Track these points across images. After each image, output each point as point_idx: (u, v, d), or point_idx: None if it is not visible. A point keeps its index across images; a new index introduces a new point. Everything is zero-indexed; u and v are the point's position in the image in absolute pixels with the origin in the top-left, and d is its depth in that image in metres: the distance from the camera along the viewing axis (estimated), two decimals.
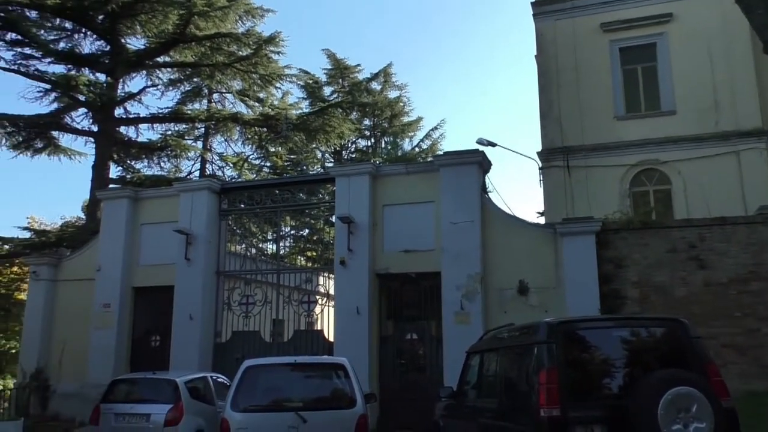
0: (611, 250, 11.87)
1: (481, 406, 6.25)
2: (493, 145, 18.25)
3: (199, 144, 25.52)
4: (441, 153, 13.11)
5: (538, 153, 18.48)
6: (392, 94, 35.07)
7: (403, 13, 77.44)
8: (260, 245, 21.00)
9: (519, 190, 57.42)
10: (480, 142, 17.82)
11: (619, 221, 12.32)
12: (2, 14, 18.66)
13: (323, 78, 34.33)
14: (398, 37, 75.39)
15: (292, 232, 28.72)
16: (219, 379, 10.58)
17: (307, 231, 31.06)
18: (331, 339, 13.48)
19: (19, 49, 19.46)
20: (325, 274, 18.21)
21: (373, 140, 35.24)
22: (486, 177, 13.32)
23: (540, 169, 18.59)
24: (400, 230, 13.18)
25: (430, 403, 11.90)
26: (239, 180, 21.63)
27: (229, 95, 26.29)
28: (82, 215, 24.89)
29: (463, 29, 77.78)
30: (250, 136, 24.03)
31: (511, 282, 12.18)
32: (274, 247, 28.11)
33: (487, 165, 13.26)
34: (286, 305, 14.16)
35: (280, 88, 23.33)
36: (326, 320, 14.52)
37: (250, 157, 26.88)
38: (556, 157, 18.09)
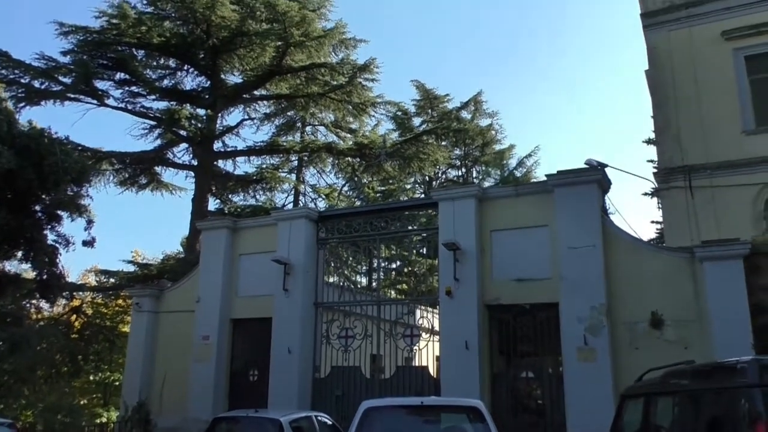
0: (764, 277, 10.23)
1: None
2: (604, 166, 16.84)
3: (293, 176, 25.66)
4: (554, 172, 11.99)
5: (654, 174, 16.88)
6: (483, 122, 34.28)
7: (491, 40, 76.92)
8: (355, 277, 20.42)
9: (626, 217, 54.20)
10: (589, 163, 16.39)
11: None
12: (113, 55, 19.55)
13: (412, 109, 34.11)
14: (487, 65, 74.73)
15: (384, 264, 28.14)
16: (321, 419, 9.83)
17: (398, 263, 30.38)
18: (436, 376, 12.53)
19: (126, 88, 20.30)
20: (423, 307, 17.31)
21: (464, 170, 34.39)
22: (606, 197, 12.08)
23: (656, 190, 16.99)
24: (511, 257, 12.13)
25: None
26: (337, 208, 21.20)
27: (321, 127, 26.41)
28: (182, 250, 25.47)
29: (554, 53, 76.11)
30: (343, 167, 23.83)
31: (642, 314, 10.77)
32: (369, 278, 27.81)
33: (607, 184, 12.07)
34: (387, 339, 13.33)
35: (373, 116, 22.99)
36: (427, 356, 13.57)
37: (342, 189, 26.73)
38: (677, 177, 16.37)
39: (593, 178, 11.62)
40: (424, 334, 13.56)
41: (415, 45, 73.95)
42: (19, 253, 12.56)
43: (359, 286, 20.62)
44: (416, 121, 33.25)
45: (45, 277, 12.27)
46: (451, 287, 12.20)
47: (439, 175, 34.91)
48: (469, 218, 12.43)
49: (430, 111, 34.20)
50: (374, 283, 28.06)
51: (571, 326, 11.03)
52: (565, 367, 11.03)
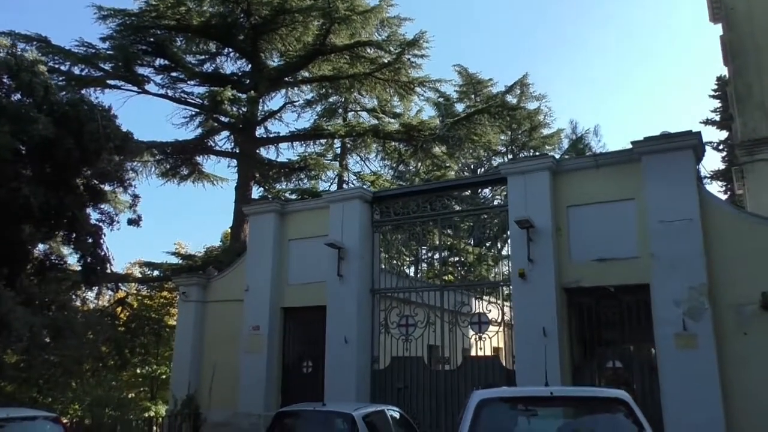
0: None
1: None
2: None
3: (336, 164, 24.78)
4: (641, 139, 10.73)
5: (736, 146, 15.45)
6: (530, 106, 32.91)
7: (540, 19, 74.81)
8: (407, 263, 19.41)
9: None
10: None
11: None
12: (152, 39, 18.91)
13: (454, 95, 32.96)
14: (536, 45, 72.72)
15: (431, 254, 27.08)
16: (393, 413, 8.85)
17: (446, 253, 29.27)
18: (509, 367, 11.49)
19: (167, 74, 19.65)
20: (478, 295, 16.31)
21: (510, 156, 33.07)
22: (700, 166, 10.81)
23: (738, 165, 15.55)
24: (591, 235, 10.95)
25: None
26: (392, 188, 20.07)
27: (364, 113, 25.45)
28: (222, 244, 24.84)
29: (602, 32, 73.59)
30: (389, 152, 22.80)
31: (751, 295, 9.48)
32: (416, 265, 26.75)
33: (702, 151, 10.75)
34: (453, 327, 12.28)
35: (422, 95, 21.73)
36: (489, 346, 12.49)
37: (388, 175, 25.74)
38: (762, 149, 14.94)
39: (688, 144, 10.32)
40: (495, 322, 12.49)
41: (455, 29, 72.36)
42: (60, 235, 11.74)
43: (413, 272, 19.69)
44: (459, 107, 32.08)
45: (89, 260, 11.45)
46: (524, 269, 11.09)
47: (485, 162, 33.68)
48: (542, 193, 11.29)
49: (473, 96, 32.99)
50: (421, 273, 27.24)
51: (667, 310, 9.81)
52: (659, 355, 9.83)
